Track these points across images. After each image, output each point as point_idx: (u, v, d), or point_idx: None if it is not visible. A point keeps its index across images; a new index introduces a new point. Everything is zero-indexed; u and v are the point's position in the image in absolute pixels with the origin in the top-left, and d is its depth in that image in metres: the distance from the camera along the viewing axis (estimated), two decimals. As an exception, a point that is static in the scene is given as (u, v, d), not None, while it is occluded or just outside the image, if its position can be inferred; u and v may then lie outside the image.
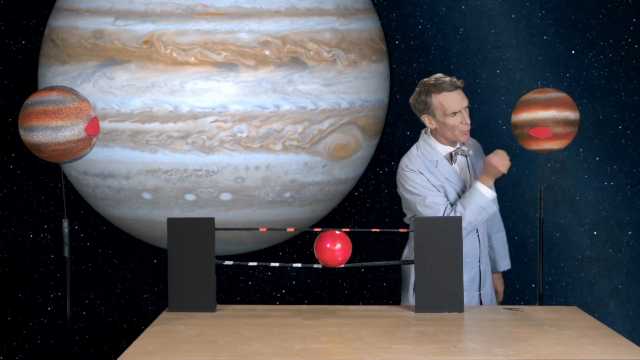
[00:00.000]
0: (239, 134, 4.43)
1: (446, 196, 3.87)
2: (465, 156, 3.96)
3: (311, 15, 4.60)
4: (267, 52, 4.41)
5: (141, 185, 4.48)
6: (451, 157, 3.91)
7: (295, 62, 4.47)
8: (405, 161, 3.92)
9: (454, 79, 3.82)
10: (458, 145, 3.92)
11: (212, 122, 4.38)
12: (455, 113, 3.80)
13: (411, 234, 4.00)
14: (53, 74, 4.51)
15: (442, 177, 3.88)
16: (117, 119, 4.38)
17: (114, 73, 4.35)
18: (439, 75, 3.86)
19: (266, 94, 4.43)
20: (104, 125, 4.36)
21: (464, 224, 3.73)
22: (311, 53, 4.53)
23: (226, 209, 4.60)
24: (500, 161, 3.81)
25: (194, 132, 4.39)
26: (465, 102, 3.83)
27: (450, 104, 3.80)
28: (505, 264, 4.21)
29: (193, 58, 4.37)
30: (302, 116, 4.52)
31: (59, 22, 4.56)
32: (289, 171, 4.59)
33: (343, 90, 4.61)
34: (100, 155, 4.46)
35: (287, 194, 4.65)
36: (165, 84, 4.35)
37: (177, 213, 4.57)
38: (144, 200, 4.54)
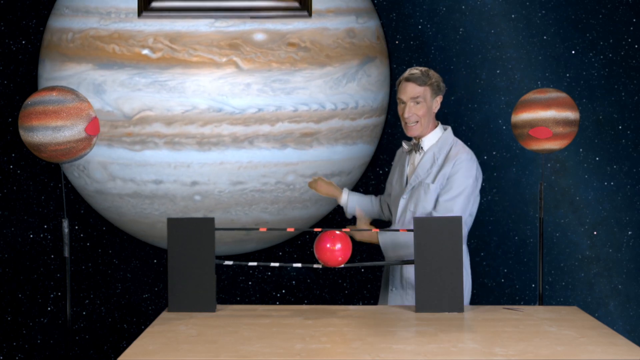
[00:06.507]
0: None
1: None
2: (418, 153, 3.97)
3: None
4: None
5: (351, 180, 4.62)
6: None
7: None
8: None
9: (413, 72, 3.86)
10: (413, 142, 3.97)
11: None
12: (402, 102, 3.88)
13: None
14: (307, 77, 4.36)
15: (397, 165, 4.06)
16: (369, 115, 4.48)
17: (370, 70, 4.46)
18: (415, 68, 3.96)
19: None
20: (359, 123, 4.44)
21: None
22: None
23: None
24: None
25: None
26: (411, 95, 3.84)
27: (400, 91, 3.90)
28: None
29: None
30: None
31: (294, 26, 4.37)
32: None
33: None
34: (344, 154, 4.48)
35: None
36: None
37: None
38: None
